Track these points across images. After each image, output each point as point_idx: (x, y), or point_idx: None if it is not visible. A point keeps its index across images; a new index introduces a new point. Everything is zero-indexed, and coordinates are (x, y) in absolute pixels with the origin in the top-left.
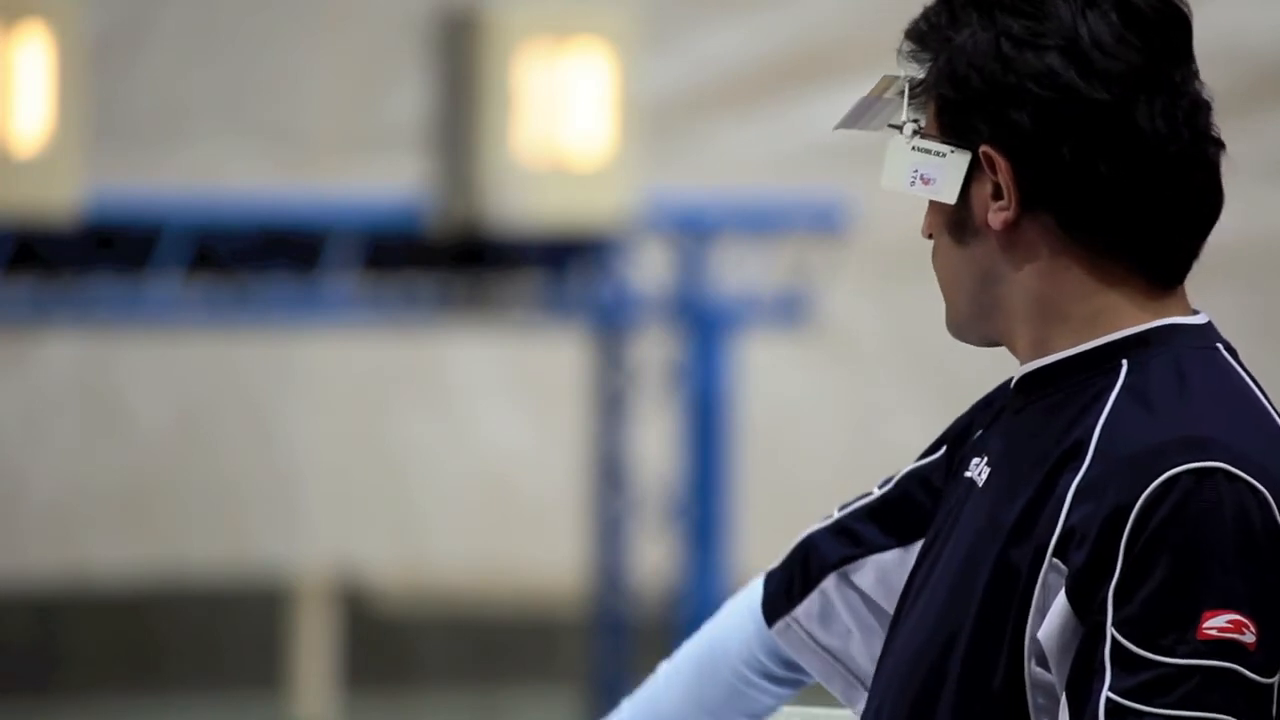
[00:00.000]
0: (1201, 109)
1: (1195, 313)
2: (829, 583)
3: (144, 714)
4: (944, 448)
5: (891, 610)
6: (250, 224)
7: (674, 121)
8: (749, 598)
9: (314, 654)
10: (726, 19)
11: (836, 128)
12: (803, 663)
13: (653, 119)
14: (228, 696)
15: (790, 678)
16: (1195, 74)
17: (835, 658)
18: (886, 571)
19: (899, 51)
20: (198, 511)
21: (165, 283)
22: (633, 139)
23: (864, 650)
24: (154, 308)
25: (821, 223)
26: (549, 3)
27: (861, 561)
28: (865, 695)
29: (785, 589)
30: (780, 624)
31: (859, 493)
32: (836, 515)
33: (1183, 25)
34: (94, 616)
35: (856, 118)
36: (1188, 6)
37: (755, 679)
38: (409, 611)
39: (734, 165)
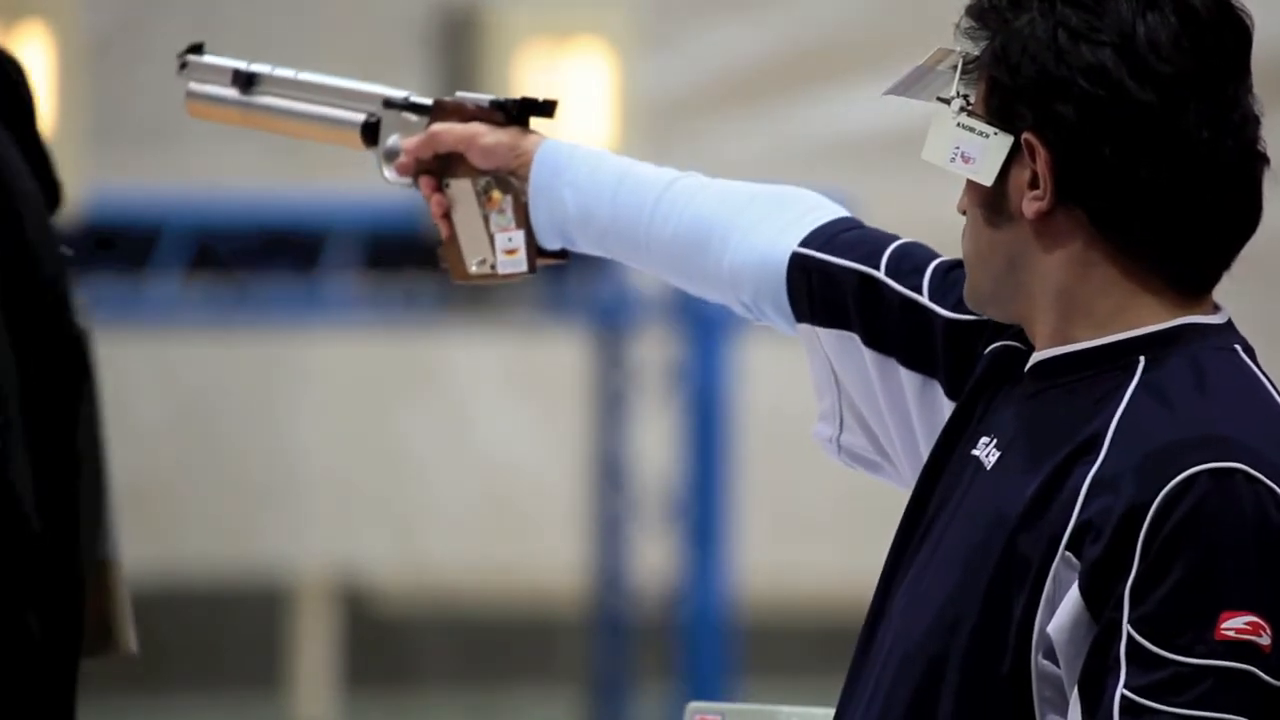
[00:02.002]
0: (1250, 123)
1: (1217, 310)
2: (857, 340)
3: (144, 714)
4: (982, 341)
5: (888, 412)
6: (250, 224)
7: (674, 121)
8: (782, 236)
9: (314, 654)
10: (726, 19)
11: (886, 93)
12: (810, 362)
13: (653, 119)
14: (228, 696)
15: (757, 313)
16: (1249, 87)
17: (837, 379)
18: (901, 386)
19: (956, 26)
20: (198, 511)
21: (165, 283)
22: (633, 139)
23: (862, 395)
24: (154, 308)
25: None
26: (549, 3)
27: (887, 358)
28: (841, 423)
29: (812, 297)
30: (805, 327)
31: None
32: (885, 274)
33: (1242, 37)
34: None
35: (907, 86)
36: (1250, 19)
37: (729, 290)
38: (409, 611)
39: (734, 165)
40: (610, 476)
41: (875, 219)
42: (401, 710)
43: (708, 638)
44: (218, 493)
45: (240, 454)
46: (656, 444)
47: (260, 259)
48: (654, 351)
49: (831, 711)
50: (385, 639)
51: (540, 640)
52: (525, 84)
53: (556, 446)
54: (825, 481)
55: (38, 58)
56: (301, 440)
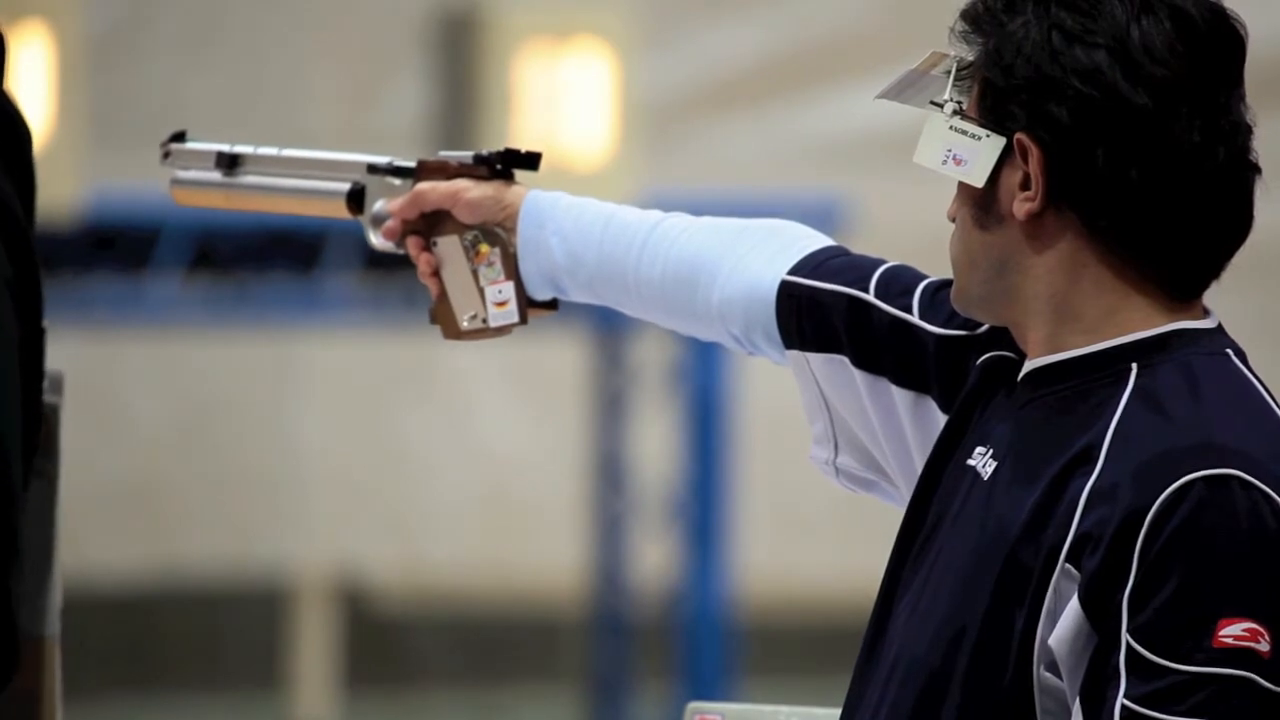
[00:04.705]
0: (1242, 131)
1: (1207, 314)
2: (846, 362)
3: (144, 714)
4: (974, 350)
5: (882, 431)
6: (250, 224)
7: (674, 121)
8: (770, 266)
9: (314, 654)
10: (726, 19)
11: (878, 97)
12: (800, 388)
13: (653, 119)
14: (228, 696)
15: (748, 346)
16: (1241, 96)
17: (827, 403)
18: (894, 405)
19: (951, 30)
20: (198, 511)
21: (165, 283)
22: (633, 139)
23: (854, 416)
24: (154, 308)
25: (820, 223)
26: (549, 3)
27: (878, 378)
28: (836, 445)
29: (801, 323)
30: (795, 353)
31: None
32: (874, 296)
33: (1236, 45)
34: (94, 616)
35: (900, 90)
36: (1245, 29)
37: (720, 324)
38: (409, 611)
39: (734, 165)
40: (610, 476)
41: (873, 219)
42: (401, 710)
43: (708, 638)
44: (218, 493)
45: (240, 454)
46: (656, 444)
47: (260, 259)
48: (654, 351)
49: (831, 712)
50: (385, 639)
51: (540, 640)
52: (525, 84)
53: (557, 446)
54: (825, 482)
55: (38, 58)
56: (302, 440)
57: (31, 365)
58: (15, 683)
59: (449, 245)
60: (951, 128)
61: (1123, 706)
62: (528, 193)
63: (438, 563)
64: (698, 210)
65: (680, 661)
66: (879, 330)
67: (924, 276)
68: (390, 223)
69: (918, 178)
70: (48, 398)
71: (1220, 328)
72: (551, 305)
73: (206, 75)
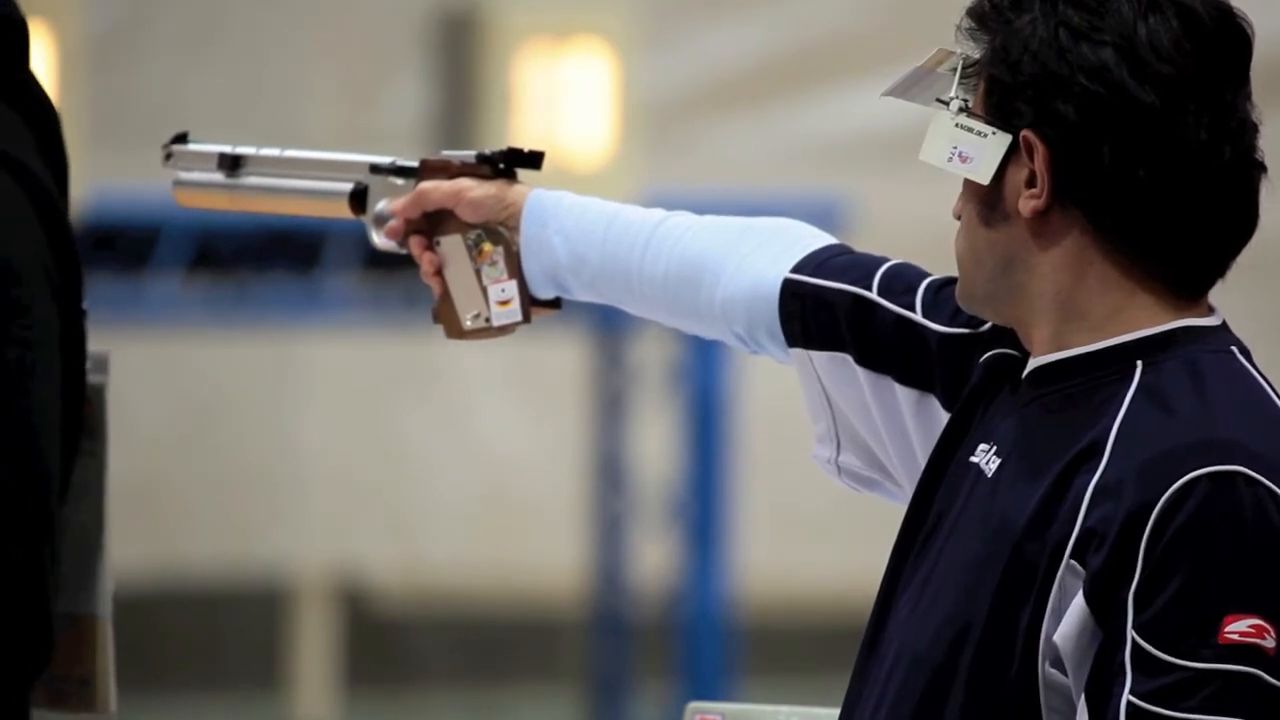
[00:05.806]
0: (1248, 130)
1: (1211, 312)
2: (850, 360)
3: (144, 714)
4: (978, 347)
5: (885, 429)
6: (250, 224)
7: (674, 121)
8: (774, 265)
9: (314, 654)
10: (726, 19)
11: (884, 94)
12: (803, 386)
13: (653, 119)
14: (228, 696)
15: (752, 344)
16: (1248, 95)
17: (830, 402)
18: (897, 403)
19: (957, 27)
20: (198, 511)
21: (165, 283)
22: (633, 139)
23: (857, 415)
24: (154, 308)
25: (821, 223)
26: (549, 3)
27: (882, 376)
28: (838, 444)
29: (804, 321)
30: (798, 351)
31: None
32: (878, 294)
33: (1243, 44)
34: None
35: (906, 88)
36: (1251, 28)
37: (723, 323)
38: (409, 611)
39: (734, 165)
40: (610, 476)
41: (874, 219)
42: (401, 710)
43: (708, 638)
44: (218, 493)
45: (240, 454)
46: (656, 444)
47: (260, 259)
48: (654, 351)
49: (831, 712)
50: (385, 639)
51: (540, 640)
52: (525, 84)
53: (557, 446)
54: (825, 481)
55: (38, 58)
56: (302, 440)
57: (73, 347)
58: (65, 666)
59: (452, 245)
60: (957, 125)
61: (1128, 703)
62: (530, 192)
63: (438, 563)
64: (699, 210)
65: (680, 661)
66: (882, 328)
67: (927, 274)
68: (393, 222)
69: (918, 177)
70: (92, 377)
71: (1225, 325)
72: (555, 304)
73: (206, 75)
